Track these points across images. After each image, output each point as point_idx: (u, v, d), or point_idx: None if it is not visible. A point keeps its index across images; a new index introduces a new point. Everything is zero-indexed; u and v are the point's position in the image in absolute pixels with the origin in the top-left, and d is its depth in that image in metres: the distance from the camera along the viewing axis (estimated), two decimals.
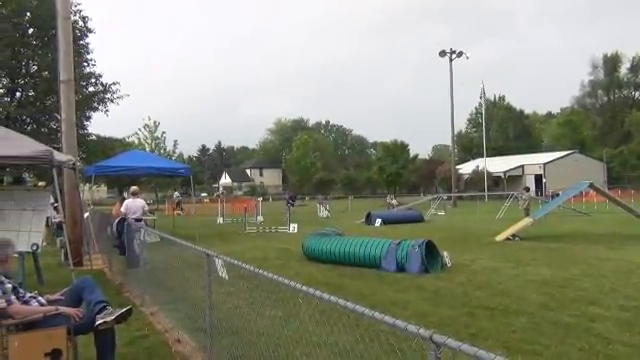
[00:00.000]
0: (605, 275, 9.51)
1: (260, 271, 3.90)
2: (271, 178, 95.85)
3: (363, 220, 24.10)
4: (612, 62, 73.02)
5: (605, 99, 74.89)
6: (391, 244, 10.56)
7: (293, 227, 20.34)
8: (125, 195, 23.14)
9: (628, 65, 72.88)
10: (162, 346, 5.74)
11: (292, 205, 30.56)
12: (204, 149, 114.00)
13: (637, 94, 73.64)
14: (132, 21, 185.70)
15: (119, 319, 4.43)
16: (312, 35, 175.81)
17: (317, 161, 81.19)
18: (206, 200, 49.55)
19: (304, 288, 3.25)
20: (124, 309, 4.52)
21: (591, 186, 17.15)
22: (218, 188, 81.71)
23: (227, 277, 4.75)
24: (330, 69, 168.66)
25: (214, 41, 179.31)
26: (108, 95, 27.49)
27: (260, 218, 26.45)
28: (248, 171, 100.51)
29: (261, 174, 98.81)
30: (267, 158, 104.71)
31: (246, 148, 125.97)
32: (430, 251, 10.53)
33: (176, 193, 47.12)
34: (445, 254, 10.88)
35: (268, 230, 20.76)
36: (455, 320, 6.66)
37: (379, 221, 22.67)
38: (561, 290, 8.32)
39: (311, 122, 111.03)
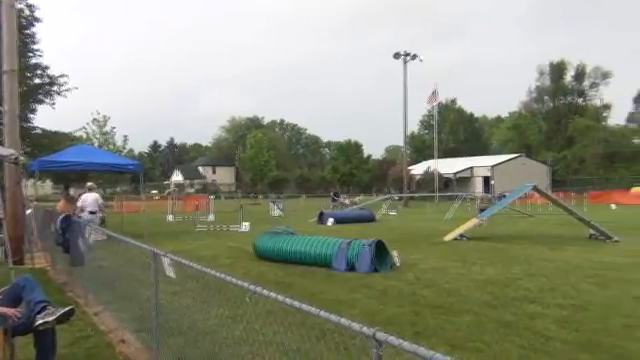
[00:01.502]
0: (546, 275, 9.89)
1: (208, 270, 3.88)
2: (224, 176, 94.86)
3: (316, 219, 24.18)
4: (558, 69, 75.82)
5: (551, 105, 77.69)
6: (342, 243, 10.64)
7: (245, 226, 20.21)
8: (71, 191, 22.45)
9: (573, 73, 75.89)
10: (105, 347, 5.61)
11: (336, 201, 30.91)
12: (155, 145, 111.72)
13: (580, 101, 76.69)
14: (84, 11, 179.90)
15: (60, 319, 4.30)
16: (269, 34, 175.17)
17: (271, 160, 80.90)
18: (156, 197, 48.60)
19: (251, 287, 3.25)
20: (66, 309, 4.39)
21: (535, 188, 17.75)
22: (169, 185, 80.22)
23: (174, 276, 4.69)
24: (286, 68, 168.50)
25: (169, 35, 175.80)
26: (55, 87, 26.58)
27: (212, 216, 26.15)
28: (201, 169, 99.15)
29: (214, 172, 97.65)
30: (220, 156, 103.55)
31: (199, 145, 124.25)
32: (380, 251, 10.67)
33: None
34: (395, 254, 11.05)
35: (219, 229, 20.56)
36: (402, 318, 6.79)
37: (331, 220, 22.81)
38: (504, 289, 8.60)
39: (266, 120, 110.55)
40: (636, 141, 68.16)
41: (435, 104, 55.50)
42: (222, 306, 5.14)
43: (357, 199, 38.27)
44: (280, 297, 2.89)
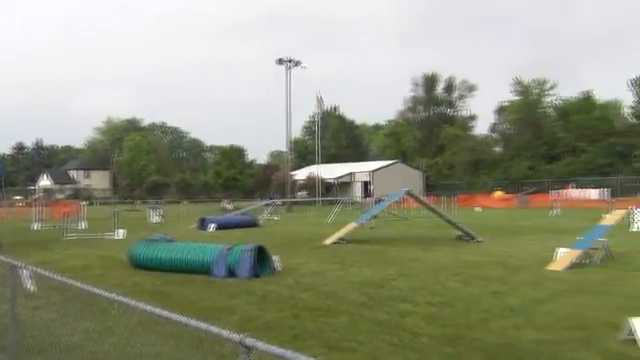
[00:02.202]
0: (417, 274, 10.49)
1: (72, 281, 3.65)
2: (99, 181, 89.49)
3: (196, 225, 23.67)
4: (430, 81, 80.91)
5: (424, 114, 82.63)
6: (222, 249, 10.52)
7: (120, 233, 19.25)
8: None
9: (443, 85, 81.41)
10: None
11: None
12: (20, 147, 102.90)
13: (450, 112, 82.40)
14: None
15: None
16: (152, 33, 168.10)
17: (151, 164, 77.84)
18: (20, 204, 44.79)
19: (119, 298, 3.12)
20: None
21: (408, 193, 18.80)
22: (35, 190, 74.19)
23: (35, 289, 4.37)
24: (168, 70, 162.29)
25: (40, 26, 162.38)
26: None
27: (83, 224, 24.57)
28: (73, 173, 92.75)
29: (87, 176, 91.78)
30: (95, 159, 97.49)
31: (71, 147, 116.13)
32: (261, 256, 10.68)
33: None
34: (276, 258, 11.11)
35: (92, 237, 19.38)
36: (280, 323, 6.85)
37: (213, 226, 22.46)
38: (379, 289, 8.99)
39: (145, 122, 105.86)
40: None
41: (320, 110, 56.83)
42: (90, 319, 4.87)
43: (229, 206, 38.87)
44: (148, 307, 2.81)
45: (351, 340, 6.01)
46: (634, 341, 5.60)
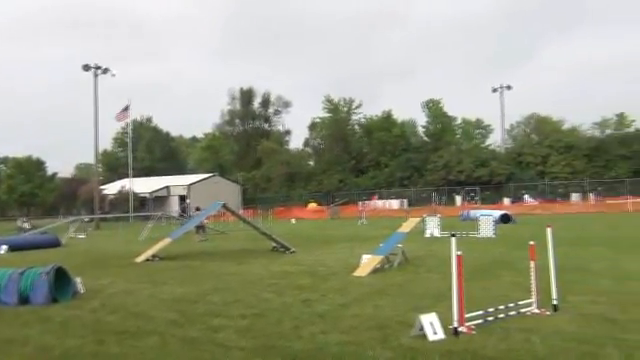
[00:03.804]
0: (232, 288, 10.46)
1: None
2: None
3: None
4: (247, 96, 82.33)
5: (241, 128, 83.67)
6: (12, 273, 9.36)
7: None
8: None
9: (260, 100, 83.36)
10: None
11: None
12: None
13: (266, 126, 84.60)
14: None
15: None
16: None
17: None
18: None
19: None
20: None
21: (224, 206, 18.76)
22: None
23: None
24: None
25: None
26: None
27: None
28: None
29: None
30: None
31: None
32: (61, 278, 9.74)
33: None
34: (78, 280, 10.24)
35: None
36: (82, 350, 6.30)
37: (4, 248, 19.99)
38: (192, 306, 8.77)
39: None
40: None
41: (128, 120, 53.95)
42: None
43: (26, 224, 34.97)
44: None
45: None
46: (424, 336, 6.25)
